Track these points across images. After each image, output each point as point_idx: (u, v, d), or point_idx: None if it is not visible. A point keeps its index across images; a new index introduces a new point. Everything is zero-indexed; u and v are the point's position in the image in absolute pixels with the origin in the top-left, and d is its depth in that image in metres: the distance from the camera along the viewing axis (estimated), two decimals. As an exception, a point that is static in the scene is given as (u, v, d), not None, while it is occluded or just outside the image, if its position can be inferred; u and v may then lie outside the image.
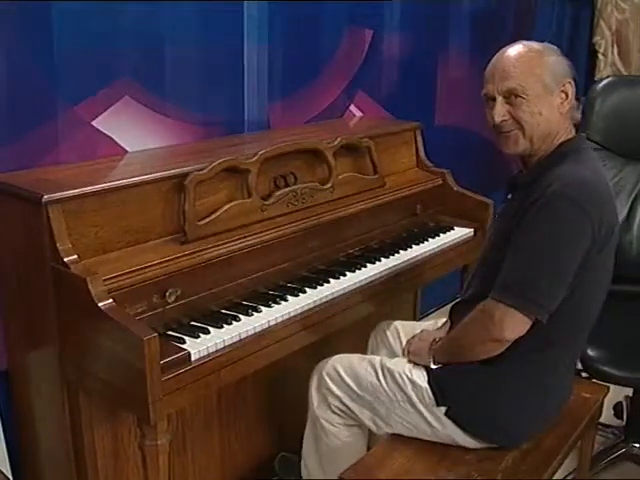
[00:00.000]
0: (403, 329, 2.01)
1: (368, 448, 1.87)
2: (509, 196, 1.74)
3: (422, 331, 1.85)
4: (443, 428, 1.66)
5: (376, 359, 1.78)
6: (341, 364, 1.78)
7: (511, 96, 1.61)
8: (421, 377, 1.68)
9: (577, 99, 1.66)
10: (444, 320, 1.90)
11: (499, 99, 1.63)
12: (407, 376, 1.69)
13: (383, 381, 1.72)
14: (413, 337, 1.82)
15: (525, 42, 1.66)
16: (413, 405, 1.68)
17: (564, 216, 1.48)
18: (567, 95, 1.62)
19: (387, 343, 2.03)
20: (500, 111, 1.62)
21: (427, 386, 1.67)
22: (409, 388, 1.69)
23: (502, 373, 1.61)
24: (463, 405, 1.64)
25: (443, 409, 1.65)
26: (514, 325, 1.52)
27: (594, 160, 1.65)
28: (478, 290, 1.68)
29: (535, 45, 1.65)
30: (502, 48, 1.67)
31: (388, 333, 2.04)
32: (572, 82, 1.63)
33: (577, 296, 1.56)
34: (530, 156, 1.67)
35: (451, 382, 1.65)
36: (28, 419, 1.81)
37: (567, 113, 1.64)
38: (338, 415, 1.78)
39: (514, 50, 1.64)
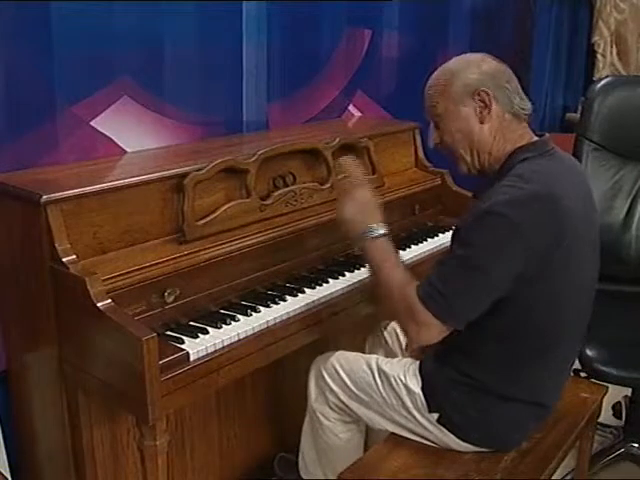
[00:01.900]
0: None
1: (366, 445, 1.88)
2: None
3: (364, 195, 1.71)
4: (437, 433, 1.66)
5: (373, 360, 1.78)
6: (339, 361, 1.79)
7: (434, 118, 1.65)
8: (415, 383, 1.68)
9: (532, 101, 1.64)
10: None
11: (432, 125, 1.68)
12: (401, 381, 1.69)
13: (379, 383, 1.72)
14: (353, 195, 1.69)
15: (454, 58, 1.66)
16: (407, 409, 1.68)
17: (493, 233, 1.44)
18: (485, 103, 1.58)
19: (385, 343, 2.03)
20: (431, 136, 1.69)
21: (420, 392, 1.67)
22: (403, 393, 1.69)
23: (492, 381, 1.60)
24: (454, 413, 1.63)
25: (435, 415, 1.65)
26: (434, 332, 1.50)
27: (544, 170, 1.54)
28: None
29: (455, 62, 1.64)
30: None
31: (386, 333, 2.04)
32: (488, 90, 1.57)
33: (543, 314, 1.53)
34: (483, 172, 1.65)
35: (441, 390, 1.64)
36: (27, 419, 1.81)
37: (497, 121, 1.59)
38: (334, 411, 1.79)
39: (435, 73, 1.66)
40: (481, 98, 1.58)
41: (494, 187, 1.51)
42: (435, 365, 1.67)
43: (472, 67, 1.61)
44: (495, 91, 1.58)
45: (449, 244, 1.59)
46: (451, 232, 1.55)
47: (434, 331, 1.50)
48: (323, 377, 1.79)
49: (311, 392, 1.83)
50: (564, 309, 1.57)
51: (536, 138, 1.63)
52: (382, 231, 1.65)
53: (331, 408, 1.79)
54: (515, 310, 1.51)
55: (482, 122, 1.59)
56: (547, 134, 1.65)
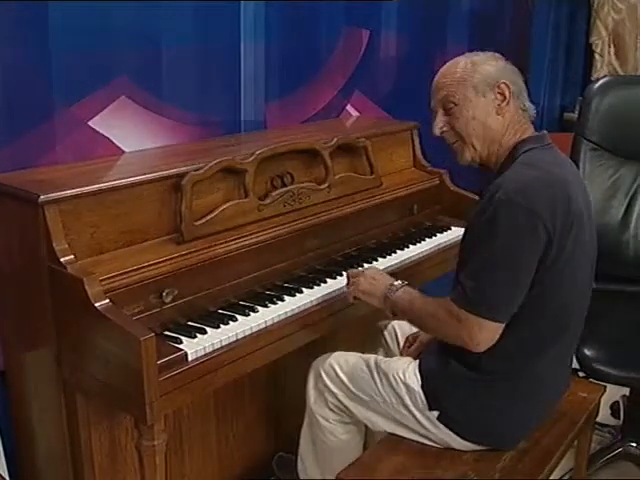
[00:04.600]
0: (400, 328, 2.01)
1: (365, 446, 1.87)
2: None
3: (370, 269, 1.84)
4: (437, 432, 1.66)
5: (372, 359, 1.78)
6: (338, 362, 1.79)
7: (447, 105, 1.66)
8: (414, 381, 1.68)
9: (532, 101, 1.69)
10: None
11: (439, 111, 1.69)
12: (401, 379, 1.69)
13: (378, 382, 1.72)
14: (362, 273, 1.78)
15: (467, 54, 1.70)
16: (407, 408, 1.68)
17: (514, 222, 1.47)
18: (504, 95, 1.63)
19: (384, 343, 2.03)
20: (438, 122, 1.70)
21: (420, 390, 1.66)
22: (403, 392, 1.68)
23: (493, 379, 1.60)
24: (455, 410, 1.63)
25: (436, 413, 1.65)
26: (488, 333, 1.52)
27: (547, 159, 1.61)
28: None
29: (472, 56, 1.68)
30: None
31: (385, 333, 2.04)
32: (508, 83, 1.63)
33: (557, 298, 1.55)
34: (486, 165, 1.68)
35: (442, 387, 1.65)
36: (25, 420, 1.80)
37: (510, 114, 1.64)
38: (334, 412, 1.79)
39: (450, 64, 1.70)
40: (501, 90, 1.63)
41: (502, 175, 1.55)
42: (438, 362, 1.67)
43: (490, 60, 1.66)
44: (512, 85, 1.64)
45: (455, 241, 1.61)
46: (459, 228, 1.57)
47: (487, 332, 1.52)
48: (322, 378, 1.79)
49: (310, 394, 1.82)
50: (570, 300, 1.59)
51: (536, 132, 1.68)
52: (400, 282, 1.70)
53: (330, 409, 1.79)
54: (530, 299, 1.53)
55: (498, 113, 1.64)
56: (546, 132, 1.70)
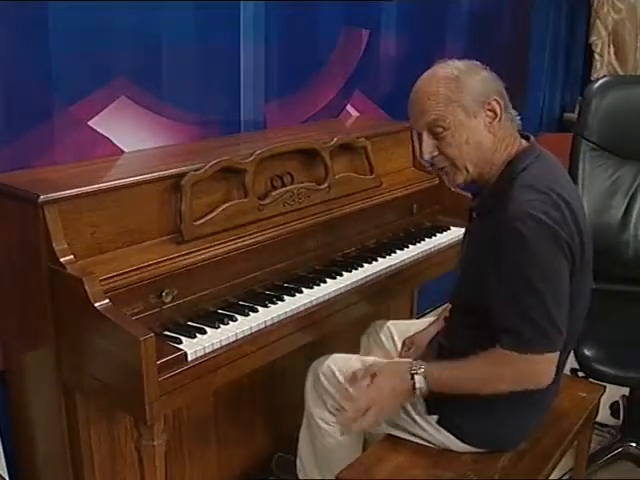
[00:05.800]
0: (396, 329, 2.00)
1: (364, 448, 1.87)
2: (474, 214, 1.71)
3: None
4: (436, 434, 1.65)
5: (370, 362, 1.77)
6: (336, 364, 1.78)
7: (435, 130, 1.54)
8: None
9: (515, 108, 1.59)
10: (432, 319, 1.91)
11: (425, 134, 1.57)
12: None
13: (377, 385, 1.71)
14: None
15: (443, 65, 1.58)
16: (406, 412, 1.67)
17: (539, 249, 1.43)
18: (495, 113, 1.53)
19: (380, 343, 2.02)
20: (427, 148, 1.57)
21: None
22: None
23: None
24: (454, 414, 1.62)
25: (435, 417, 1.64)
26: (552, 367, 1.50)
27: (544, 173, 1.54)
28: (458, 305, 1.68)
29: (452, 68, 1.55)
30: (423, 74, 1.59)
31: (381, 334, 2.03)
32: (498, 98, 1.53)
33: (570, 305, 1.53)
34: (477, 182, 1.62)
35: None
36: (25, 420, 1.80)
37: (502, 130, 1.56)
38: (333, 414, 1.78)
39: (429, 79, 1.56)
40: (491, 108, 1.54)
41: (509, 202, 1.48)
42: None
43: (473, 74, 1.55)
44: (501, 100, 1.55)
45: (455, 241, 1.56)
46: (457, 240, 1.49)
47: (553, 364, 1.50)
48: (320, 381, 1.77)
49: (309, 397, 1.81)
50: (574, 312, 1.57)
51: (524, 141, 1.61)
52: (416, 365, 1.57)
53: (330, 412, 1.78)
54: None
55: (490, 132, 1.55)
56: (532, 136, 1.63)
